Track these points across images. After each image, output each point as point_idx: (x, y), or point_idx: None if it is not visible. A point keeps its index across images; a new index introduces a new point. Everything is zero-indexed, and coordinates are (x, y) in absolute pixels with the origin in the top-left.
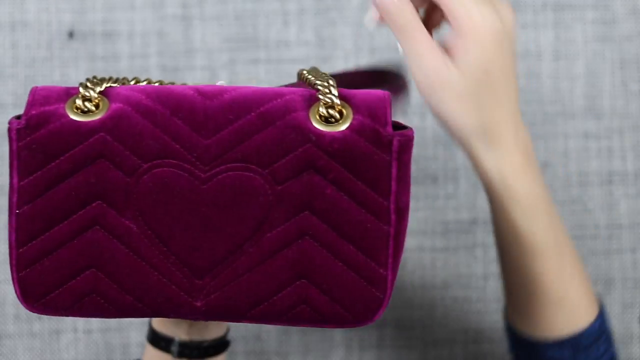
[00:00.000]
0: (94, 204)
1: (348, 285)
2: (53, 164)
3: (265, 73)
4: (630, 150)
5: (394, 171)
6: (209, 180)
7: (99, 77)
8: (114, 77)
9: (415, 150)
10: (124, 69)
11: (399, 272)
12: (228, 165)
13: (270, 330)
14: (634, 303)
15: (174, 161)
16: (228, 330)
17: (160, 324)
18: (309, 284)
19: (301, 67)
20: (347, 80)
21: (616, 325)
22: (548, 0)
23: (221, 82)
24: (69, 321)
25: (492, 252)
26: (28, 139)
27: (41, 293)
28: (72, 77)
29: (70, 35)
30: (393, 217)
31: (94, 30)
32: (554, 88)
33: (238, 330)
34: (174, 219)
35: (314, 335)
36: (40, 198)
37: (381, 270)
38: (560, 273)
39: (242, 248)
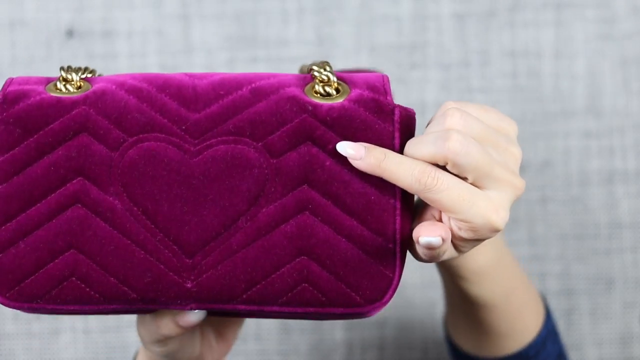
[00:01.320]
0: (74, 181)
1: (353, 262)
2: (32, 139)
3: (265, 72)
4: (631, 149)
5: (396, 142)
6: (199, 153)
7: (81, 66)
8: (97, 71)
9: None
10: (123, 67)
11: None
12: (219, 138)
13: (270, 330)
14: (635, 303)
15: (162, 135)
16: None
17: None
18: (310, 260)
19: (301, 65)
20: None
21: (616, 325)
22: None
23: None
24: (67, 321)
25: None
26: (5, 114)
27: (16, 279)
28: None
29: (69, 34)
30: (398, 189)
31: (93, 29)
32: (554, 87)
33: None
34: (162, 193)
35: (314, 334)
36: (17, 176)
37: (389, 245)
38: (508, 313)
39: (237, 223)
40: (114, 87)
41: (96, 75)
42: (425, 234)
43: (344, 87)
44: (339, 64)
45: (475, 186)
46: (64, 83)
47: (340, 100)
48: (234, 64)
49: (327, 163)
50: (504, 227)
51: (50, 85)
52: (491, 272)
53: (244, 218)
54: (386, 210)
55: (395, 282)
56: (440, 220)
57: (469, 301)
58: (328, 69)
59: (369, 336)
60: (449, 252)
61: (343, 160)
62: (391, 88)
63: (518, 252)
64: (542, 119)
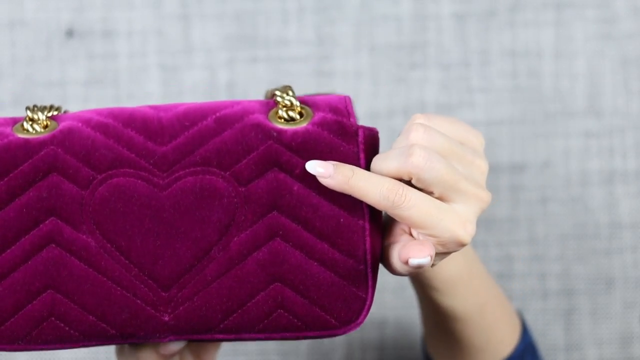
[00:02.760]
0: (47, 221)
1: (326, 286)
2: (1, 182)
3: (264, 72)
4: (631, 149)
5: (362, 162)
6: (168, 186)
7: (47, 105)
8: (62, 108)
9: None
10: (122, 67)
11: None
12: (187, 169)
13: None
14: (635, 303)
15: (130, 170)
16: None
17: None
18: (283, 286)
19: (301, 65)
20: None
21: (616, 325)
22: None
23: None
24: None
25: (493, 251)
26: None
27: None
28: (71, 76)
29: (69, 34)
30: (366, 209)
31: (93, 29)
32: (554, 87)
33: None
34: (134, 229)
35: None
36: None
37: (361, 267)
38: (482, 326)
39: (209, 254)
40: (80, 124)
41: (62, 112)
42: (415, 255)
43: (307, 110)
44: (339, 64)
45: (442, 200)
46: (30, 123)
47: (304, 124)
48: (234, 64)
49: (295, 188)
50: (471, 241)
51: (17, 125)
52: (463, 282)
53: (217, 248)
54: (356, 232)
55: (368, 302)
56: (410, 234)
57: (442, 313)
58: (290, 93)
59: (369, 336)
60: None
61: (311, 184)
62: (354, 108)
63: (518, 252)
64: (542, 119)
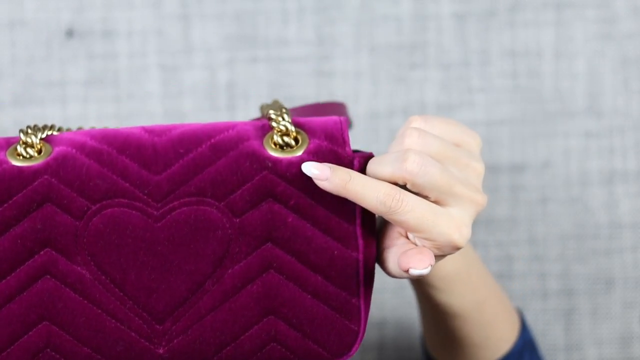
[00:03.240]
0: (42, 252)
1: (319, 319)
2: None
3: (264, 72)
4: (631, 150)
5: None
6: (162, 217)
7: (40, 125)
8: (57, 125)
9: None
10: (122, 67)
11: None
12: (182, 200)
13: None
14: (635, 303)
15: (124, 200)
16: None
17: None
18: (277, 319)
19: (301, 65)
20: (298, 113)
21: (616, 325)
22: None
23: None
24: None
25: (493, 251)
26: None
27: None
28: (71, 76)
29: (69, 34)
30: (361, 242)
31: (93, 29)
32: (554, 87)
33: None
34: (128, 261)
35: None
36: None
37: (353, 300)
38: (481, 323)
39: (204, 287)
40: (74, 150)
41: (55, 131)
42: (416, 266)
43: (302, 136)
44: (339, 64)
45: (438, 203)
46: (24, 147)
47: (299, 152)
48: (234, 64)
49: (290, 219)
50: (466, 244)
51: (11, 149)
52: (461, 279)
53: (210, 281)
54: (349, 265)
55: (360, 335)
56: (407, 237)
57: (441, 311)
58: (286, 117)
59: (369, 336)
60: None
61: (305, 215)
62: (349, 133)
63: (518, 252)
64: (542, 119)
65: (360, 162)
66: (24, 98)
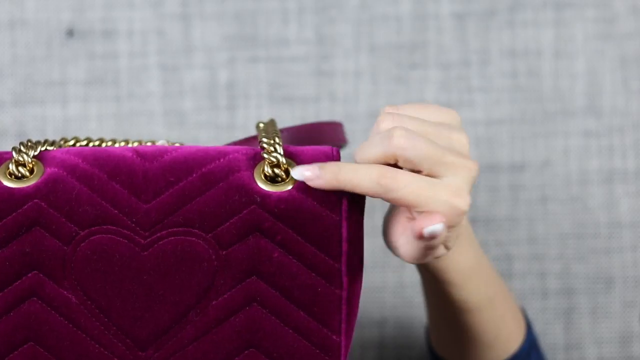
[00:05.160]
0: (30, 275)
1: (300, 354)
2: None
3: (264, 72)
4: (630, 149)
5: (344, 232)
6: (149, 246)
7: (33, 140)
8: (50, 139)
9: None
10: (123, 67)
11: (400, 272)
12: (169, 230)
13: None
14: (635, 302)
15: (113, 227)
16: None
17: None
18: (258, 353)
19: (301, 65)
20: (293, 133)
21: (616, 324)
22: None
23: (162, 142)
24: None
25: (493, 251)
26: None
27: None
28: (71, 76)
29: (70, 33)
30: (345, 279)
31: (93, 28)
32: (554, 86)
33: None
34: (114, 288)
35: None
36: None
37: (334, 337)
38: (493, 318)
39: (187, 317)
40: (65, 173)
41: (49, 145)
42: (426, 224)
43: (293, 168)
44: (339, 64)
45: (432, 176)
46: (16, 165)
47: (289, 187)
48: (234, 64)
49: (275, 255)
50: (468, 209)
51: (3, 167)
52: (474, 273)
53: (194, 312)
54: (333, 302)
55: None
56: (413, 218)
57: (455, 307)
58: (278, 149)
59: (369, 336)
60: (439, 249)
61: (291, 251)
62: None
63: (518, 252)
64: (542, 118)
65: (349, 201)
66: (24, 98)
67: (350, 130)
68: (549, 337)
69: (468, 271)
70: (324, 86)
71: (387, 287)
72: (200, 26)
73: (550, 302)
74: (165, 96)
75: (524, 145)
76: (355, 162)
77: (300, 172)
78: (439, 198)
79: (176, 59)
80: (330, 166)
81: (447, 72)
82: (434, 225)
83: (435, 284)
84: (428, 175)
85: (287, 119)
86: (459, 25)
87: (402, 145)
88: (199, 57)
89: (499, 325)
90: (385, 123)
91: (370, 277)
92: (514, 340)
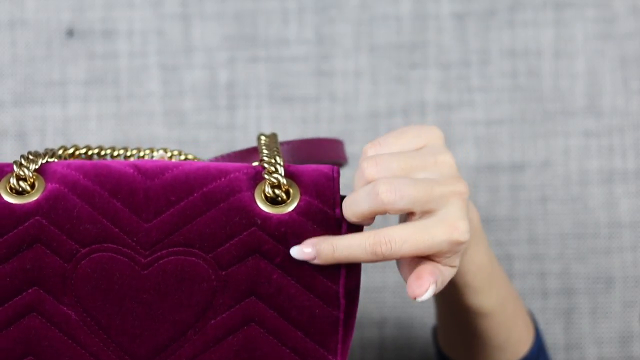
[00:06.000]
0: (30, 290)
1: None
2: None
3: (264, 71)
4: (630, 149)
5: None
6: (149, 265)
7: (33, 152)
8: (50, 150)
9: None
10: (123, 67)
11: (400, 272)
12: (170, 249)
13: None
14: (635, 302)
15: (113, 246)
16: None
17: None
18: None
19: (301, 65)
20: (294, 147)
21: (616, 324)
22: None
23: (161, 152)
24: None
25: (493, 251)
26: None
27: None
28: (71, 76)
29: (70, 33)
30: (342, 301)
31: (93, 28)
32: (554, 86)
33: None
34: (114, 306)
35: None
36: None
37: (330, 357)
38: (505, 321)
39: (186, 335)
40: (66, 190)
41: (49, 157)
42: (418, 294)
43: (294, 189)
44: (339, 64)
45: (426, 213)
46: (16, 179)
47: (289, 208)
48: (234, 63)
49: (275, 276)
50: (468, 236)
51: (4, 182)
52: (489, 274)
53: (192, 330)
54: (330, 323)
55: None
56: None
57: (469, 311)
58: (279, 169)
59: (369, 336)
60: (446, 275)
61: (290, 271)
62: (339, 186)
63: (518, 252)
64: (542, 118)
65: (349, 224)
66: (25, 98)
67: (350, 130)
68: (549, 337)
69: (483, 273)
70: (324, 86)
71: (387, 287)
72: (200, 26)
73: (550, 302)
74: (165, 96)
75: (524, 145)
76: (345, 217)
77: (300, 254)
78: (437, 240)
79: (176, 59)
80: (325, 246)
81: (447, 72)
82: (424, 295)
83: (449, 288)
84: (423, 213)
85: (287, 119)
86: (459, 25)
87: (390, 200)
88: (199, 57)
89: (510, 328)
90: (369, 170)
91: (370, 277)
92: (523, 343)
